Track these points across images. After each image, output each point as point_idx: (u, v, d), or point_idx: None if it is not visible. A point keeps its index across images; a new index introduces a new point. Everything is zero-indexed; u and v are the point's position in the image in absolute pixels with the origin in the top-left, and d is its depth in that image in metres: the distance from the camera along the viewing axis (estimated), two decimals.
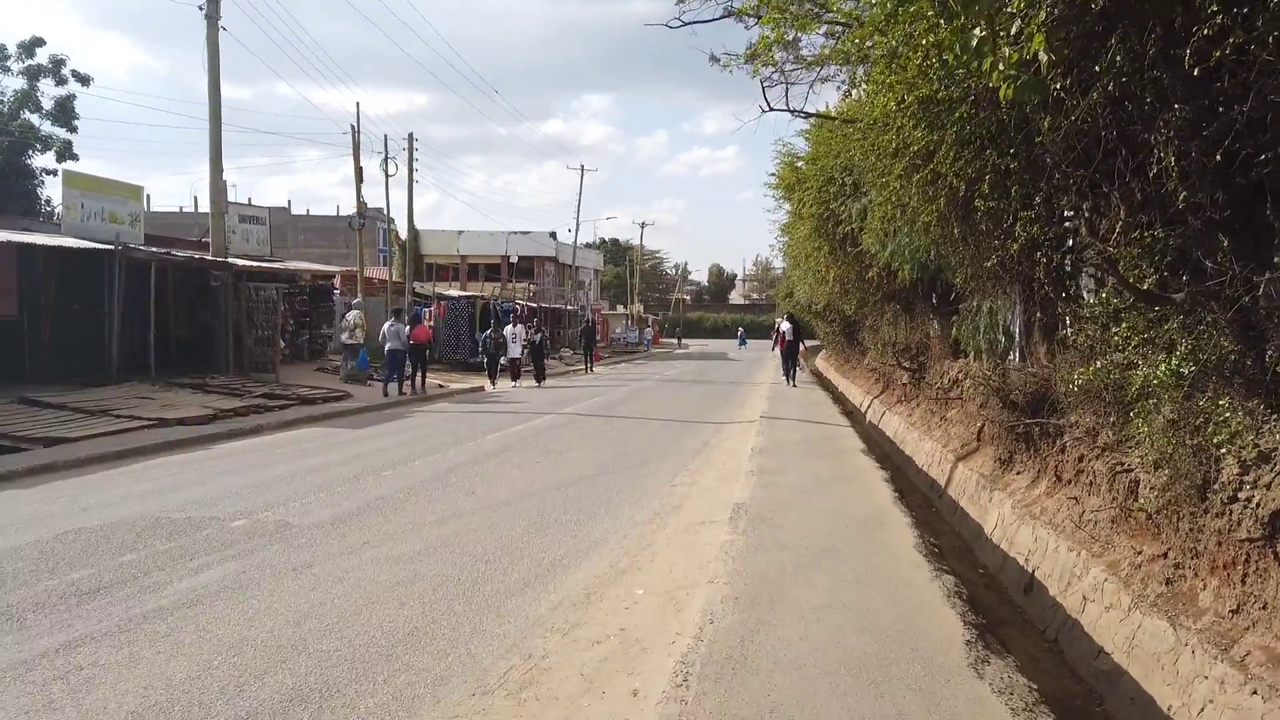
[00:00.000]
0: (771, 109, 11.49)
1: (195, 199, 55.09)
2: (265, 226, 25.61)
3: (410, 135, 33.72)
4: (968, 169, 8.26)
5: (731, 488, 8.74)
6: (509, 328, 22.70)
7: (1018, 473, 9.39)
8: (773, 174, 19.64)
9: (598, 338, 39.55)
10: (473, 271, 53.37)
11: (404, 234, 35.04)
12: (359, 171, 31.89)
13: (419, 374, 20.21)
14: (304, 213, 62.56)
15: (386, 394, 18.87)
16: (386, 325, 19.59)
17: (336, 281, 33.61)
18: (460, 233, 54.81)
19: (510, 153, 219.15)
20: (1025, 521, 7.95)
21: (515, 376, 23.28)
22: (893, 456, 14.37)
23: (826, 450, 11.37)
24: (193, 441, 12.58)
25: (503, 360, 23.34)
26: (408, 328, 19.69)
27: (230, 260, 20.17)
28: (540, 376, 24.08)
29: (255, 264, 21.60)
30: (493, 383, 22.89)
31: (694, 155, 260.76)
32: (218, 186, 20.09)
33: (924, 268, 13.42)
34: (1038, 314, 10.33)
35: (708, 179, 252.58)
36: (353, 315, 21.48)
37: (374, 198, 67.16)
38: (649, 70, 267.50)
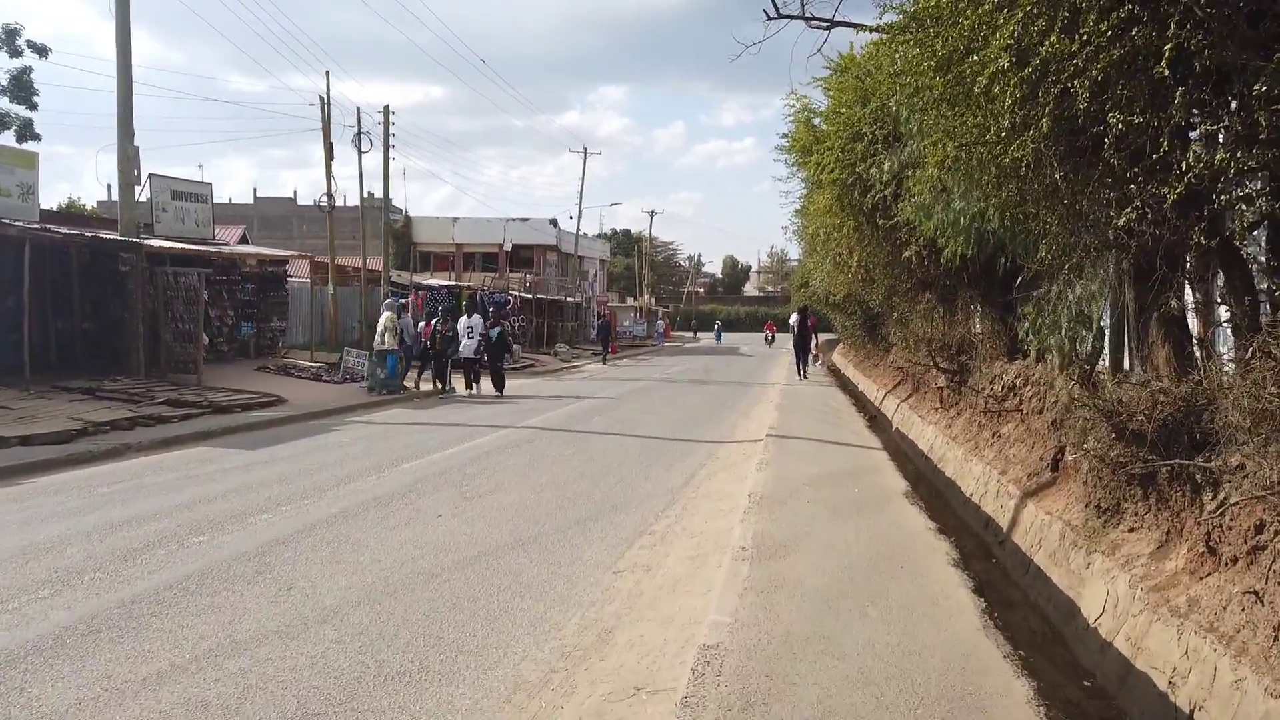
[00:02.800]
0: (780, 15, 8.13)
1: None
2: (207, 205, 22.26)
3: (386, 108, 30.82)
4: (1099, 60, 4.96)
5: (707, 583, 5.37)
6: (463, 320, 18.72)
7: (1130, 530, 6.35)
8: (784, 135, 16.13)
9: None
10: (469, 261, 49.95)
11: (382, 215, 31.80)
12: (329, 148, 29.41)
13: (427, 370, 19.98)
14: (309, 204, 59.63)
15: (416, 386, 19.16)
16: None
17: (305, 270, 30.52)
18: (455, 220, 51.56)
19: (526, 145, 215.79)
20: (1159, 616, 4.98)
21: (469, 382, 18.95)
22: (929, 477, 11.25)
23: (857, 497, 8.02)
24: (10, 472, 9.43)
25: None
26: (423, 321, 19.96)
27: (140, 240, 16.99)
28: (499, 383, 19.06)
29: (176, 245, 18.33)
30: (440, 385, 18.85)
31: (711, 147, 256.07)
32: (126, 154, 16.92)
33: (982, 243, 10.29)
34: (1172, 301, 7.08)
35: (724, 170, 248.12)
36: (385, 318, 17.72)
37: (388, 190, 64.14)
38: (665, 61, 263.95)
